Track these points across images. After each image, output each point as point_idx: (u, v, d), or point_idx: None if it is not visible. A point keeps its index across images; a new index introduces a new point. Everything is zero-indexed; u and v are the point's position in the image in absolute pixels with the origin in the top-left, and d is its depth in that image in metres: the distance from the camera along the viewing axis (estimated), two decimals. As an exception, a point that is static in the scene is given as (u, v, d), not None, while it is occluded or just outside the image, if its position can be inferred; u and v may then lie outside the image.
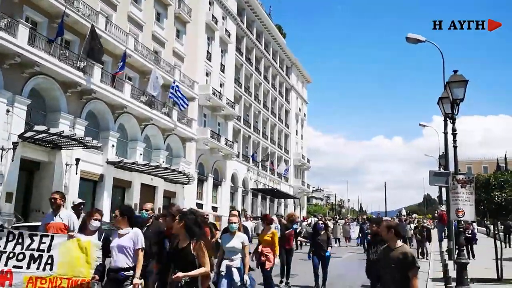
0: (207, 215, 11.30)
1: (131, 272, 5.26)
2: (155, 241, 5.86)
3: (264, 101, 51.78)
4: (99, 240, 5.59)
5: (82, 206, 8.59)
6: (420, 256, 18.63)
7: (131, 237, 5.39)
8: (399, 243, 4.87)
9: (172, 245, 4.76)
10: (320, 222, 11.25)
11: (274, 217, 23.79)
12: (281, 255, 10.79)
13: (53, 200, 6.60)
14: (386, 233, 4.91)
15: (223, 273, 6.70)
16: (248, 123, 46.73)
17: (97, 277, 5.39)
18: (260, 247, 8.88)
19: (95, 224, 5.65)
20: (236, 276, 6.57)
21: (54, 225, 6.43)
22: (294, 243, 13.01)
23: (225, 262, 6.75)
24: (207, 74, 37.85)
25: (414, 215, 53.80)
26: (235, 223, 6.82)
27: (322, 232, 10.54)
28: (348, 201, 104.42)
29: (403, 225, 24.87)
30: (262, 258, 8.57)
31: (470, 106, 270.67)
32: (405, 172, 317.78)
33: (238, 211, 8.43)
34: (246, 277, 6.66)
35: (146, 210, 6.51)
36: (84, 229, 5.75)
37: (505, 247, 23.30)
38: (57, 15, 21.63)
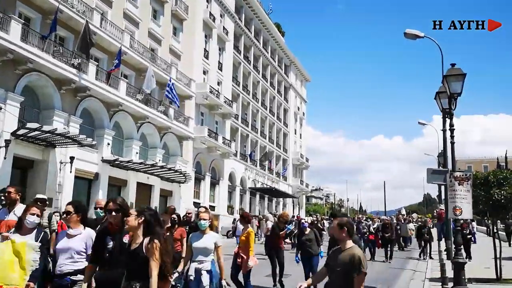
0: (189, 213, 10.67)
1: (79, 277, 4.53)
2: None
3: (263, 100, 51.49)
4: (38, 239, 4.73)
5: (39, 202, 7.47)
6: (423, 257, 17.86)
7: (83, 239, 4.68)
8: (350, 243, 4.20)
9: (118, 244, 4.16)
10: (303, 220, 11.07)
11: (270, 215, 23.49)
12: (272, 257, 10.35)
13: (6, 194, 5.84)
14: (338, 231, 4.23)
15: (192, 278, 5.82)
16: (246, 122, 46.46)
17: (32, 284, 4.54)
18: (236, 248, 8.34)
19: (31, 219, 4.75)
20: (205, 280, 5.72)
21: (8, 222, 5.64)
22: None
23: (193, 265, 5.86)
24: (204, 72, 37.56)
25: (414, 215, 53.60)
26: (205, 220, 5.93)
27: (308, 231, 9.92)
28: (348, 201, 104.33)
29: (402, 225, 24.22)
30: (238, 260, 7.95)
31: (471, 105, 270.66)
32: (405, 172, 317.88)
33: (205, 207, 7.49)
34: (224, 283, 5.89)
35: (101, 208, 5.66)
36: (20, 227, 4.87)
37: (509, 245, 23.10)
38: (51, 11, 21.36)
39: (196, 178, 35.20)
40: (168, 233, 7.00)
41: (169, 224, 7.86)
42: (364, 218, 26.70)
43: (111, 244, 4.39)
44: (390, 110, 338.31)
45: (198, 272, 5.79)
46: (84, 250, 4.66)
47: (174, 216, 8.25)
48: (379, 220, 19.60)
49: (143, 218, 4.00)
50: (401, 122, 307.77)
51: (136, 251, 3.90)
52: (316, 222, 20.19)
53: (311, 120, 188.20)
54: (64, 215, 4.92)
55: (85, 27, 21.73)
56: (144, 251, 3.85)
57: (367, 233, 17.71)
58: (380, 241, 17.58)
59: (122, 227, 4.29)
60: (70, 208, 4.77)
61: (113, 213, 4.46)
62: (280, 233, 10.60)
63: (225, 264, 6.14)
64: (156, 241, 3.84)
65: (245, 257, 7.82)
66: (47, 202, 8.31)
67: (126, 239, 4.18)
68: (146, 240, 3.89)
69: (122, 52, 25.24)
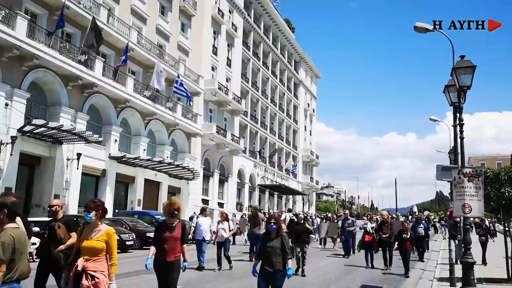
0: (53, 205, 6.30)
1: None
2: None
3: (272, 96, 51.17)
4: None
5: None
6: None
7: None
8: (8, 225, 3.73)
9: None
10: (273, 221, 6.23)
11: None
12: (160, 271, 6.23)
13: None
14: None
15: None
16: (255, 119, 46.20)
17: None
18: (81, 260, 4.63)
19: None
20: None
21: None
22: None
23: None
24: (213, 69, 37.37)
25: (426, 212, 52.98)
26: None
27: (273, 235, 6.10)
28: (358, 198, 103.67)
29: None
30: (85, 283, 4.52)
31: (485, 102, 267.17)
32: (417, 169, 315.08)
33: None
34: None
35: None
36: None
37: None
38: (58, 7, 21.31)
39: (204, 175, 35.07)
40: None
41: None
42: (355, 214, 23.27)
43: None
44: (403, 107, 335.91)
45: None
46: None
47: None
48: (379, 217, 16.88)
49: None
50: (414, 119, 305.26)
51: None
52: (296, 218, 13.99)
53: (324, 117, 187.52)
54: None
55: (94, 26, 21.66)
56: None
57: (355, 233, 15.08)
58: (377, 244, 13.79)
59: None
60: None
61: None
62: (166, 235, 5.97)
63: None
64: None
65: (99, 278, 4.56)
66: None
67: None
68: None
69: (129, 48, 25.14)
